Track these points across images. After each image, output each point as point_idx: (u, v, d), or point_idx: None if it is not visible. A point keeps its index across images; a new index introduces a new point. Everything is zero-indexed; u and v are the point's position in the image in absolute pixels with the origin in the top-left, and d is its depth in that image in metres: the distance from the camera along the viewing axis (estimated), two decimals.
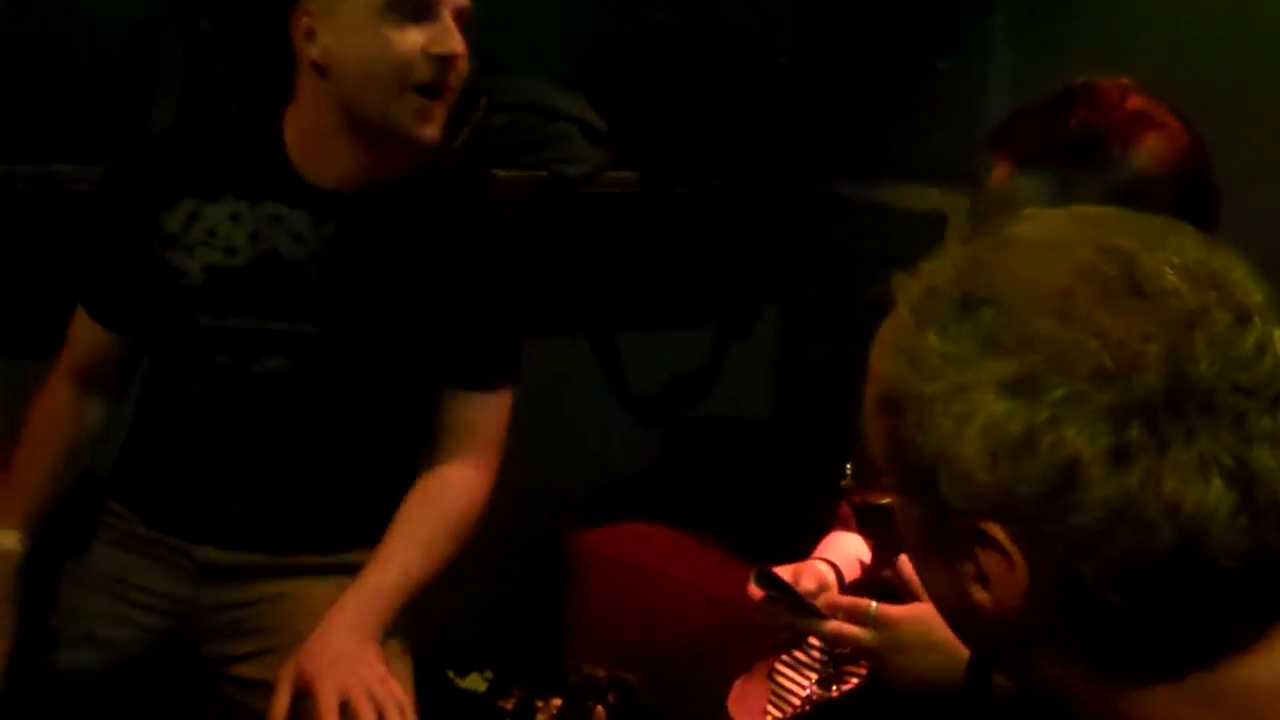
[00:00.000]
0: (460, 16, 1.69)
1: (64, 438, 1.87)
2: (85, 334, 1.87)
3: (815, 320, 3.13)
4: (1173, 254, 0.81)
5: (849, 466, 1.62)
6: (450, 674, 2.52)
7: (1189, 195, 1.41)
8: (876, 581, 1.73)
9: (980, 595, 0.84)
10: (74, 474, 1.88)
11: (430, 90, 1.68)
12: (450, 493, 1.82)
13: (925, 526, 0.87)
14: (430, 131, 1.70)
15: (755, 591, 1.63)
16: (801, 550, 1.81)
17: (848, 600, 1.61)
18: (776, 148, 2.98)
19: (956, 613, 0.90)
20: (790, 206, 3.12)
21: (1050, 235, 0.85)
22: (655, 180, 2.86)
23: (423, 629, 1.87)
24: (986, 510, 0.81)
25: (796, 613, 1.60)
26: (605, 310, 3.12)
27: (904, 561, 1.62)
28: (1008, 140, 1.48)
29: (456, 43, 1.68)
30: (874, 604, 1.57)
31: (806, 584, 1.64)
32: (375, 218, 1.77)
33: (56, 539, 1.86)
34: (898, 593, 1.63)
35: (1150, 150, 1.42)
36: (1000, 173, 1.47)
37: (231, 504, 1.84)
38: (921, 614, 1.51)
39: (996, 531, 0.81)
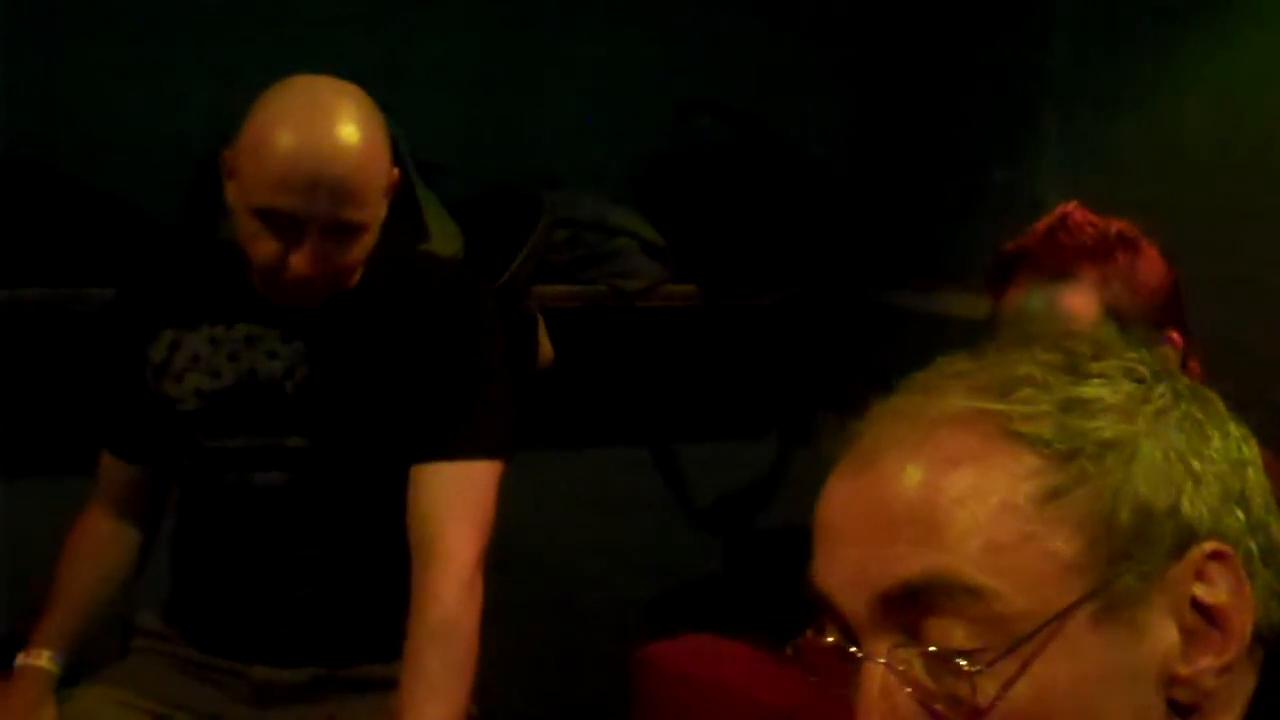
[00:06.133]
0: (336, 229, 1.66)
1: (100, 564, 1.90)
2: (110, 465, 1.93)
3: None
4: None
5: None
6: None
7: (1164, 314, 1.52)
8: None
9: (1182, 669, 0.77)
10: (112, 598, 1.91)
11: (297, 286, 1.70)
12: (443, 620, 1.69)
13: (1113, 615, 0.76)
14: (302, 303, 1.74)
15: None
16: None
17: None
18: (833, 258, 3.00)
19: None
20: (848, 316, 3.13)
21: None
22: (713, 293, 2.88)
23: None
24: (1209, 533, 0.78)
25: None
26: (666, 422, 3.13)
27: None
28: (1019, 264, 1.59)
29: (311, 268, 1.66)
30: None
31: None
32: (338, 327, 1.80)
33: (99, 662, 1.88)
34: None
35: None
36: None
37: (269, 620, 1.85)
38: None
39: (1224, 548, 0.78)
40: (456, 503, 1.75)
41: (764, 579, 3.00)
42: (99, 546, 1.90)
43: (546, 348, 2.62)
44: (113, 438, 1.92)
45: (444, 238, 2.58)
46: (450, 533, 1.73)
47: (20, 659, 1.78)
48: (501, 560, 1.79)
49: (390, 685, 1.75)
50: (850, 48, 3.17)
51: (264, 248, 1.67)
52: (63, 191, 2.49)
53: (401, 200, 1.84)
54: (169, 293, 1.87)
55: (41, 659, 1.78)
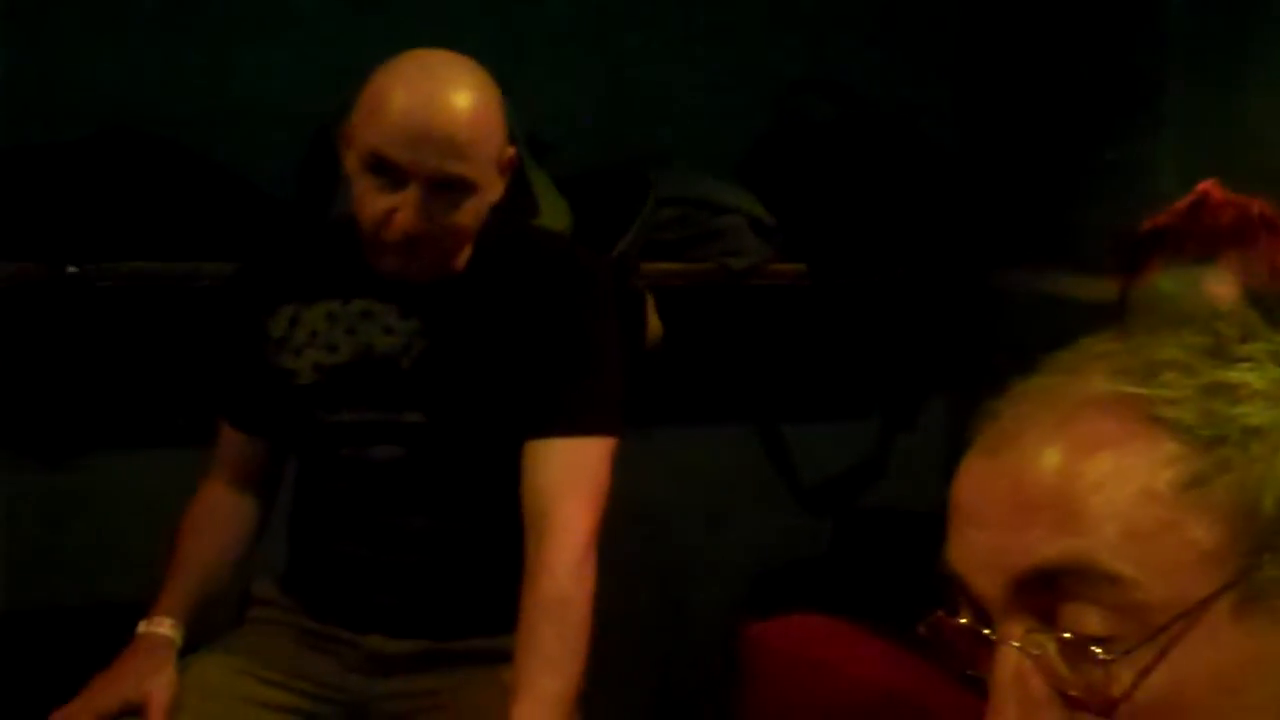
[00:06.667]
0: (442, 184, 1.69)
1: (219, 534, 1.93)
2: (229, 438, 1.96)
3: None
4: None
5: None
6: None
7: None
8: None
9: None
10: (231, 568, 1.93)
11: (403, 246, 1.72)
12: (558, 595, 1.70)
13: (1253, 605, 0.75)
14: (408, 270, 1.76)
15: None
16: None
17: None
18: (943, 238, 2.97)
19: None
20: (957, 297, 3.11)
21: None
22: (822, 272, 2.87)
23: None
24: None
25: None
26: (772, 401, 3.13)
27: None
28: (1151, 246, 1.53)
29: (414, 221, 1.68)
30: None
31: None
32: (453, 303, 1.81)
33: (218, 631, 1.92)
34: None
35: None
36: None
37: (383, 591, 1.87)
38: None
39: None
40: (570, 478, 1.75)
41: (869, 560, 3.00)
42: (218, 517, 1.94)
43: (655, 325, 2.63)
44: (232, 410, 1.95)
45: (553, 214, 2.60)
46: (564, 508, 1.73)
47: (142, 626, 1.81)
48: (607, 537, 1.79)
49: (502, 658, 1.76)
50: (961, 23, 3.14)
51: (372, 203, 1.70)
52: (181, 165, 2.55)
53: (513, 177, 1.85)
54: (289, 268, 1.89)
55: (163, 626, 1.81)
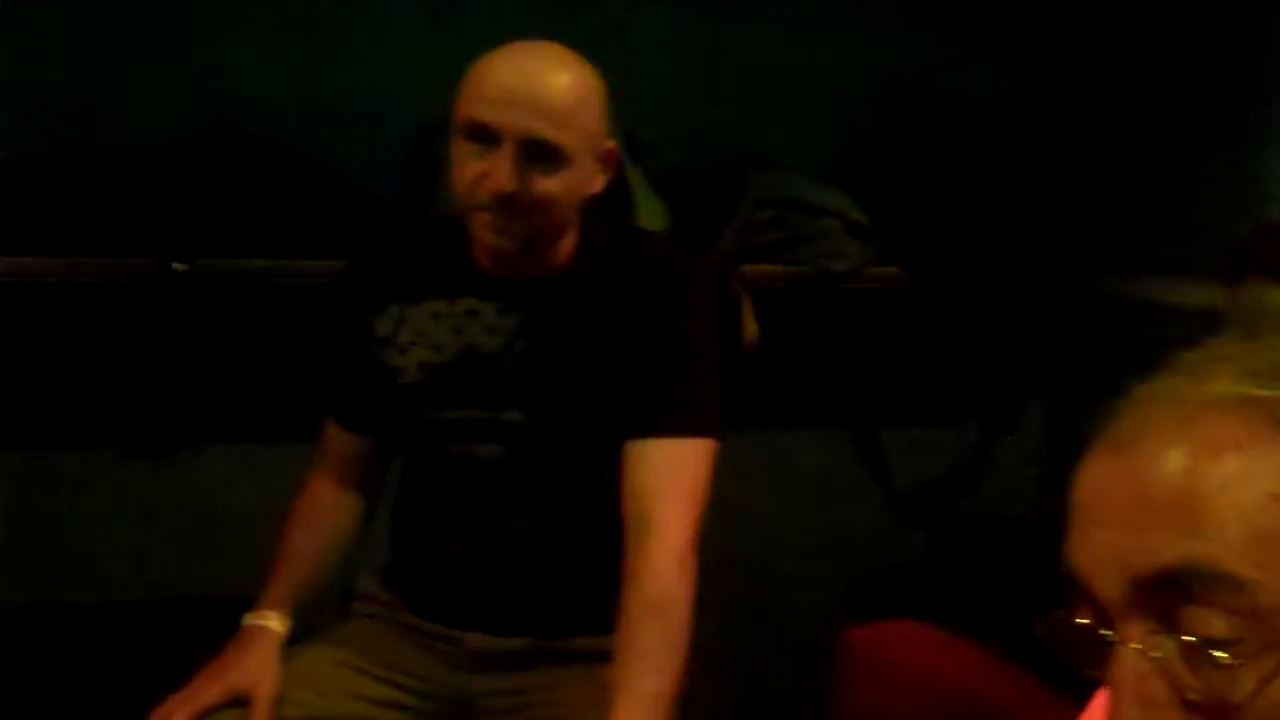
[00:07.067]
0: (533, 148, 1.70)
1: (324, 530, 1.95)
2: (335, 435, 1.97)
3: (1083, 419, 3.06)
4: None
5: None
6: None
7: None
8: None
9: None
10: (335, 563, 1.95)
11: (495, 212, 1.72)
12: (658, 595, 1.70)
13: None
14: (502, 243, 1.75)
15: None
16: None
17: None
18: (1043, 243, 2.94)
19: None
20: (1056, 302, 3.07)
21: None
22: (919, 276, 2.86)
23: None
24: None
25: None
26: (868, 405, 3.12)
27: None
28: (1257, 258, 1.50)
29: (504, 180, 1.69)
30: None
31: None
32: (555, 302, 1.82)
33: (320, 626, 1.94)
34: None
35: None
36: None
37: (485, 589, 1.88)
38: None
39: None
40: (671, 479, 1.75)
41: (965, 566, 2.97)
42: (324, 513, 1.96)
43: (751, 327, 2.62)
44: (338, 408, 1.97)
45: (650, 215, 2.60)
46: (665, 509, 1.73)
47: (248, 619, 1.84)
48: (701, 539, 1.79)
49: (602, 658, 1.76)
50: (1061, 26, 3.10)
51: (464, 169, 1.71)
52: (284, 163, 2.59)
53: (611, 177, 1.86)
54: (395, 267, 1.91)
55: (269, 619, 1.84)
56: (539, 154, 1.70)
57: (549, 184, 1.72)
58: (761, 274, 2.72)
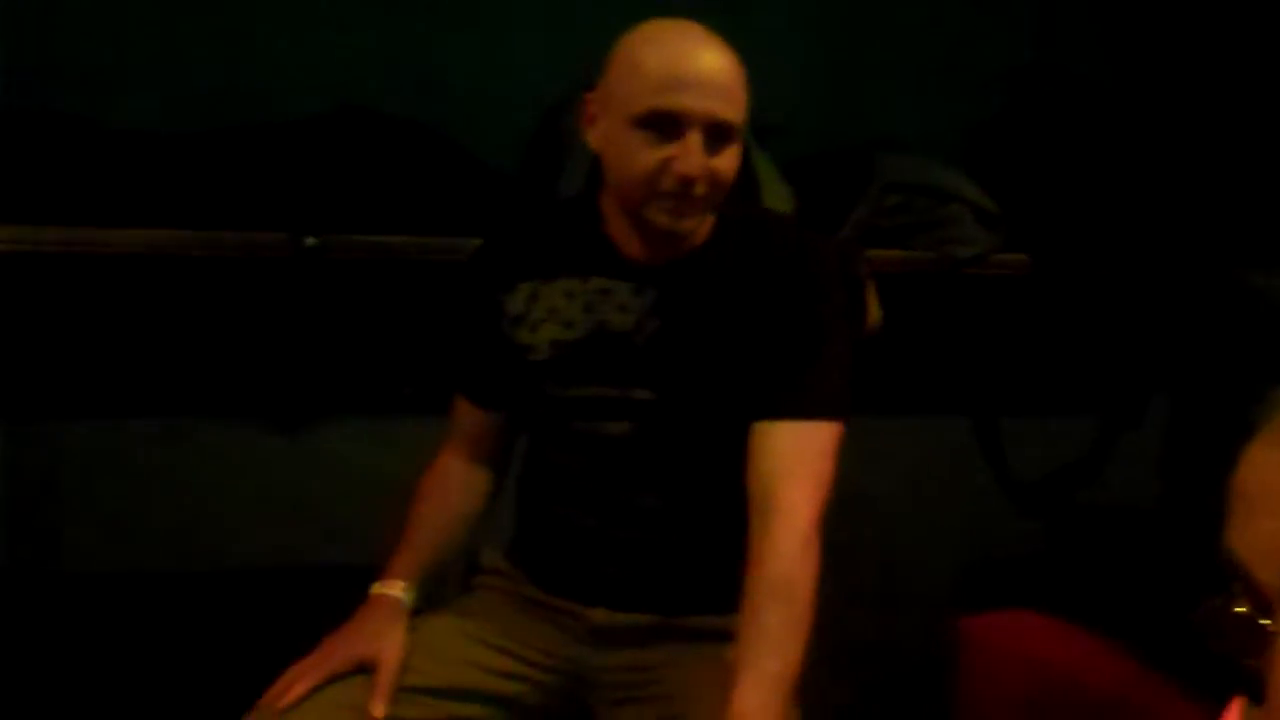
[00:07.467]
0: (715, 130, 1.70)
1: (452, 504, 1.97)
2: (464, 411, 1.99)
3: (1208, 412, 3.01)
4: None
5: None
6: None
7: None
8: None
9: None
10: (462, 536, 1.97)
11: (678, 197, 1.72)
12: (783, 576, 1.69)
13: None
14: (685, 225, 1.75)
15: None
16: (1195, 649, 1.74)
17: None
18: (1171, 234, 2.90)
19: None
20: (1184, 294, 3.02)
21: None
22: (1046, 264, 2.82)
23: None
24: None
25: None
26: (989, 392, 3.09)
27: None
28: None
29: (695, 165, 1.69)
30: None
31: None
32: (687, 282, 1.82)
33: (446, 598, 1.96)
34: None
35: None
36: None
37: (610, 565, 1.89)
38: None
39: None
40: (797, 461, 1.75)
41: (1085, 558, 2.94)
42: (451, 487, 1.98)
43: (875, 312, 2.61)
44: (468, 385, 1.99)
45: (776, 199, 2.60)
46: (790, 490, 1.73)
47: (376, 588, 1.87)
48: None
49: (723, 637, 1.77)
50: (1204, 17, 3.04)
51: (645, 158, 1.71)
52: (414, 142, 2.62)
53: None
54: (527, 246, 1.93)
55: (395, 589, 1.86)
56: (719, 135, 1.72)
57: (724, 163, 1.74)
58: (886, 259, 2.71)
